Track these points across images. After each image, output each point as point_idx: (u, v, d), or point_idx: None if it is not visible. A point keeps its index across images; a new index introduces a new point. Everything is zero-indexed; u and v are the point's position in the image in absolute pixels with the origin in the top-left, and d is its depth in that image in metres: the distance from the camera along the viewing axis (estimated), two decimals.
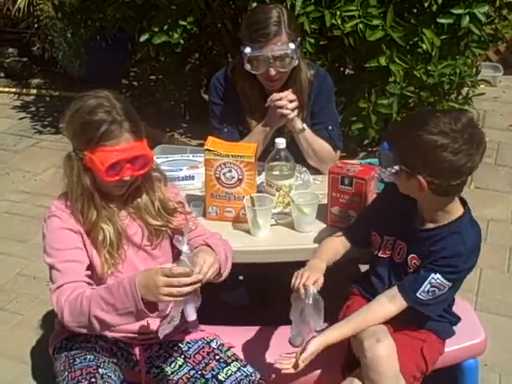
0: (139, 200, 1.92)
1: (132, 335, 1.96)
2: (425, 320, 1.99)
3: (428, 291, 1.89)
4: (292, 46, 2.35)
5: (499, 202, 3.77)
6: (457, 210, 1.92)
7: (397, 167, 1.83)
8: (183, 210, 1.98)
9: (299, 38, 2.45)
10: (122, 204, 1.93)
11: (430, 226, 1.93)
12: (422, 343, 1.97)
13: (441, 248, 1.88)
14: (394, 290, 1.94)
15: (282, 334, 2.20)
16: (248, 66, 2.39)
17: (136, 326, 1.92)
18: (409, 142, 1.80)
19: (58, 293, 1.75)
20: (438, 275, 1.88)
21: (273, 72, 2.38)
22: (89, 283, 1.79)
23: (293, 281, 1.89)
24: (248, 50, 2.36)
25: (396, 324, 1.95)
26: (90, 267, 1.86)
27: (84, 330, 1.74)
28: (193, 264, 1.68)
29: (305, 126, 2.44)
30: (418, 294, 1.90)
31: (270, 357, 2.11)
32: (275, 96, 2.37)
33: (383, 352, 1.84)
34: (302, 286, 1.85)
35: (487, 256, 3.18)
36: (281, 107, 2.36)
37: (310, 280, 1.86)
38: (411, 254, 1.95)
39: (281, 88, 2.45)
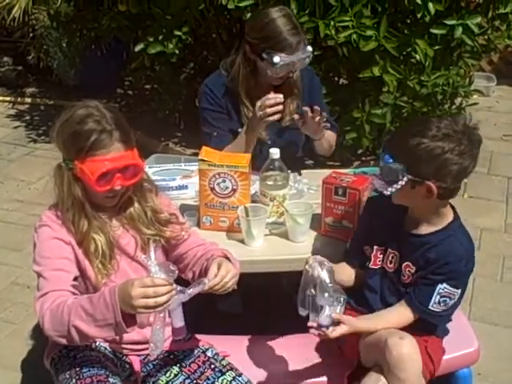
0: (131, 210, 1.92)
1: (129, 346, 1.95)
2: (423, 323, 1.99)
3: (439, 302, 1.91)
4: (309, 48, 2.50)
5: (492, 211, 3.79)
6: (449, 214, 1.95)
7: (405, 179, 1.82)
8: (176, 221, 1.98)
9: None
10: (114, 214, 1.92)
11: (424, 231, 1.94)
12: (425, 343, 1.97)
13: (440, 255, 1.90)
14: (403, 302, 1.95)
15: (277, 342, 2.21)
16: (270, 72, 2.47)
17: (133, 336, 1.91)
18: (415, 152, 1.79)
19: (41, 300, 1.74)
20: (444, 284, 1.89)
21: (294, 76, 2.54)
22: (74, 293, 1.77)
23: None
24: (277, 59, 2.43)
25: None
26: (84, 278, 1.86)
27: (63, 341, 1.70)
28: (166, 272, 1.66)
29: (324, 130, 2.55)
30: (430, 307, 1.91)
31: (265, 366, 2.12)
32: (266, 102, 2.40)
33: (409, 349, 1.83)
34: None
35: (480, 265, 3.18)
36: (270, 114, 2.41)
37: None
38: (405, 261, 1.96)
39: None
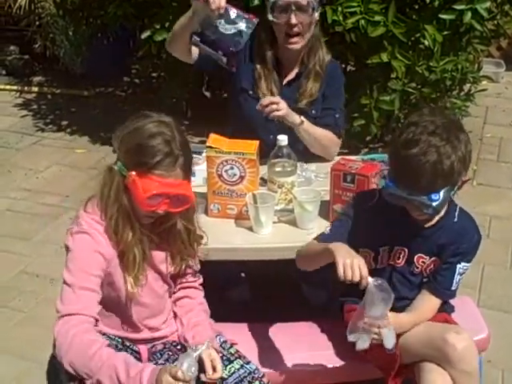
0: (173, 228, 1.87)
1: (139, 337, 1.95)
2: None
3: (459, 280, 1.99)
4: None
5: (502, 198, 3.77)
6: None
7: (451, 197, 1.86)
8: (201, 242, 1.96)
9: (320, 5, 2.53)
10: (154, 228, 1.86)
11: (430, 222, 1.94)
12: (447, 322, 2.01)
13: (454, 237, 1.94)
14: (427, 294, 1.98)
15: (285, 330, 2.21)
16: (270, 16, 2.45)
17: (142, 334, 1.93)
18: (453, 171, 1.76)
19: (65, 320, 1.68)
20: (462, 263, 1.96)
21: (294, 20, 2.44)
22: (96, 319, 1.73)
23: (347, 276, 1.70)
24: None
25: None
26: (111, 285, 1.82)
27: (74, 373, 1.66)
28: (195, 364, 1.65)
29: (302, 118, 2.46)
30: (452, 288, 1.98)
31: (272, 354, 2.12)
32: (265, 101, 2.39)
33: (468, 342, 1.87)
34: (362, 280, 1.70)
35: (490, 252, 3.19)
36: (271, 111, 2.38)
37: (363, 270, 1.70)
38: (417, 254, 1.97)
39: (296, 59, 2.55)
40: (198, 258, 1.98)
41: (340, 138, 2.62)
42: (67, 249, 1.79)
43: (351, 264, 1.69)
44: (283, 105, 2.39)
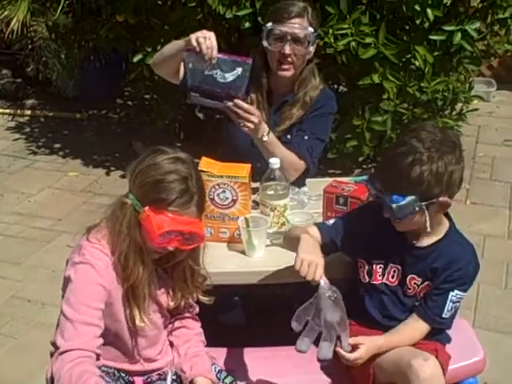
0: (180, 266, 1.86)
1: (133, 369, 1.93)
2: (434, 331, 1.99)
3: (451, 309, 1.93)
4: (311, 29, 2.45)
5: (495, 217, 3.77)
6: (445, 221, 1.96)
7: (417, 208, 1.80)
8: (205, 284, 1.94)
9: (317, 38, 2.56)
10: (160, 263, 1.85)
11: (426, 243, 1.93)
12: (436, 353, 1.94)
13: (448, 262, 1.90)
14: (417, 318, 1.94)
15: (280, 354, 2.18)
16: (266, 43, 2.46)
17: (138, 366, 1.91)
18: (423, 180, 1.77)
19: (65, 357, 1.64)
20: (456, 291, 1.91)
21: (287, 50, 2.44)
22: (97, 354, 1.70)
23: (302, 272, 1.77)
24: (269, 24, 2.45)
25: None
26: (111, 318, 1.78)
27: None
28: None
29: (266, 138, 2.39)
30: (443, 315, 1.93)
31: (269, 378, 2.09)
32: (241, 104, 2.30)
33: (434, 371, 1.81)
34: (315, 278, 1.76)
35: (484, 272, 3.13)
36: (241, 118, 2.31)
37: (318, 271, 1.76)
38: (410, 274, 1.94)
39: (287, 88, 2.55)
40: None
41: (304, 162, 2.50)
42: (68, 279, 1.73)
43: (309, 261, 1.76)
44: (254, 118, 2.31)
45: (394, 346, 1.91)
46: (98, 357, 1.71)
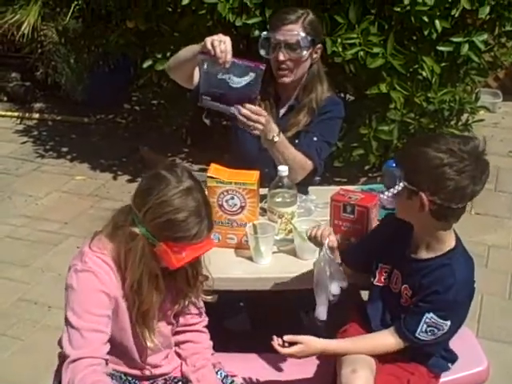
0: (182, 272, 1.84)
1: (139, 374, 1.94)
2: (418, 353, 1.93)
3: (427, 331, 1.84)
4: (303, 34, 2.48)
5: (499, 227, 3.78)
6: (450, 240, 1.88)
7: (401, 184, 1.79)
8: (205, 284, 1.94)
9: (318, 44, 2.58)
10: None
11: (423, 256, 1.89)
12: (410, 375, 1.91)
13: (430, 282, 1.83)
14: (392, 329, 1.90)
15: (285, 360, 2.19)
16: (262, 51, 2.51)
17: (143, 371, 1.92)
18: (415, 158, 1.78)
19: (76, 365, 1.65)
20: (431, 314, 1.82)
21: (281, 57, 2.49)
22: (106, 360, 1.72)
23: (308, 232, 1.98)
24: (264, 33, 2.53)
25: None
26: (117, 326, 1.79)
27: None
28: None
29: (277, 138, 2.41)
30: (417, 335, 1.85)
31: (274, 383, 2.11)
32: (249, 107, 2.30)
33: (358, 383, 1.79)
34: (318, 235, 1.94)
35: (488, 282, 3.20)
36: (250, 120, 2.31)
37: (325, 231, 1.95)
38: (404, 284, 1.92)
39: (292, 93, 2.60)
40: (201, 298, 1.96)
41: (312, 162, 2.51)
42: (70, 287, 1.74)
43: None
44: (262, 119, 2.31)
45: (348, 352, 1.88)
46: (106, 362, 1.72)
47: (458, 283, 1.81)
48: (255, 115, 2.30)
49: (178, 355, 1.98)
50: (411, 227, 1.92)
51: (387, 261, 1.98)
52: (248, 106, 2.29)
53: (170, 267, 1.74)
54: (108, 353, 1.75)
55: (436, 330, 1.84)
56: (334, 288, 1.94)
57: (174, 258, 1.70)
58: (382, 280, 1.99)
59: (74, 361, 1.65)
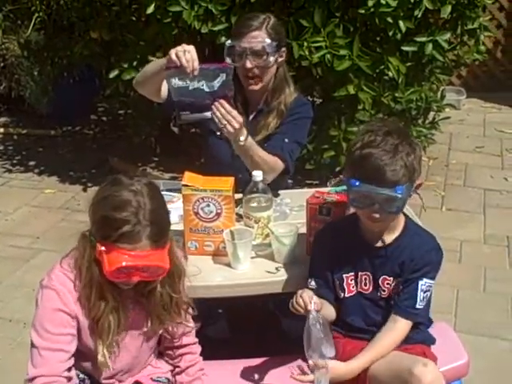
0: (154, 293, 1.81)
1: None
2: (412, 334, 1.99)
3: (423, 298, 1.95)
4: (268, 41, 2.48)
5: (471, 222, 3.84)
6: (401, 215, 1.99)
7: (411, 195, 1.92)
8: (189, 312, 1.93)
9: (283, 48, 2.59)
10: (131, 292, 1.81)
11: (388, 240, 1.97)
12: (424, 355, 1.96)
13: (411, 254, 1.94)
14: (394, 316, 1.95)
15: (265, 365, 2.19)
16: (228, 60, 2.50)
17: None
18: (414, 164, 1.86)
19: None
20: (424, 280, 1.94)
21: (248, 64, 2.49)
22: (67, 377, 1.71)
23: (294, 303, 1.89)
24: (228, 42, 2.53)
25: None
26: (83, 346, 1.78)
27: None
28: None
29: (243, 141, 2.39)
30: (417, 306, 1.95)
31: None
32: (224, 104, 2.31)
33: (435, 375, 1.82)
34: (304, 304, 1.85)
35: (463, 277, 3.25)
36: (225, 118, 2.31)
37: (306, 298, 1.86)
38: (381, 276, 1.97)
39: (261, 98, 2.60)
40: (188, 323, 1.95)
41: (284, 163, 2.53)
42: (36, 303, 1.75)
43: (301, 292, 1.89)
44: (237, 124, 2.31)
45: (376, 359, 1.91)
46: (67, 380, 1.71)
47: (433, 243, 1.99)
48: (229, 115, 2.30)
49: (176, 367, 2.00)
50: (352, 225, 1.98)
51: (348, 269, 2.01)
52: (223, 103, 2.29)
53: (106, 273, 1.68)
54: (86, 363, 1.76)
55: (428, 294, 1.97)
56: (329, 350, 1.83)
57: (108, 262, 1.65)
58: (352, 289, 2.02)
59: (31, 379, 1.67)
